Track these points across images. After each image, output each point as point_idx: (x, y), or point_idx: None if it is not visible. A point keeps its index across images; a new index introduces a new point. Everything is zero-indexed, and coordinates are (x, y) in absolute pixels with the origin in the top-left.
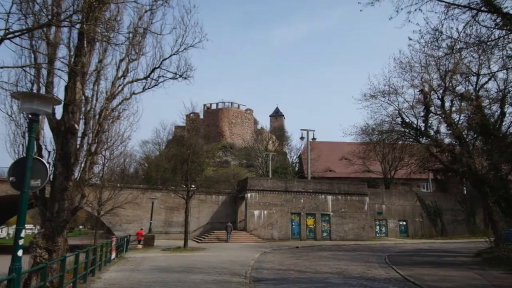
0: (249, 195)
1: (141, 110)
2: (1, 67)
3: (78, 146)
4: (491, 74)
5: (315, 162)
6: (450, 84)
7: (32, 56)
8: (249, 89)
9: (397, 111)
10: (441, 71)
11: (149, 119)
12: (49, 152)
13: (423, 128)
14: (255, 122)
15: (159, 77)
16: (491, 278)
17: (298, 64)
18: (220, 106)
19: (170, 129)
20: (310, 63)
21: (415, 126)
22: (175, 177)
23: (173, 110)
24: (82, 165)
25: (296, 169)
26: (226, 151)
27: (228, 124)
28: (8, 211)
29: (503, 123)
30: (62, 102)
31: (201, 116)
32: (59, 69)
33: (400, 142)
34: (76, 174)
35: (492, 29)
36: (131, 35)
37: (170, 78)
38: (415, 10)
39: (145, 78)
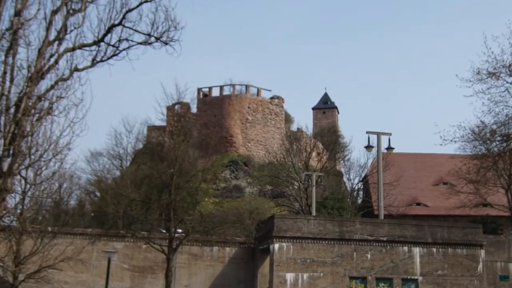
0: (277, 246)
1: (89, 99)
2: None
3: None
4: None
5: (393, 189)
6: None
7: None
8: (275, 64)
9: None
10: None
11: (103, 115)
12: None
13: None
14: (288, 120)
15: (120, 41)
16: None
17: (359, 24)
18: (226, 91)
19: (140, 131)
20: (379, 24)
21: None
22: (148, 215)
23: (145, 98)
24: None
25: (359, 200)
26: (238, 170)
27: (241, 123)
28: None
29: None
30: None
31: (194, 109)
32: None
33: None
34: None
35: None
36: None
37: (140, 43)
38: None
39: (96, 43)
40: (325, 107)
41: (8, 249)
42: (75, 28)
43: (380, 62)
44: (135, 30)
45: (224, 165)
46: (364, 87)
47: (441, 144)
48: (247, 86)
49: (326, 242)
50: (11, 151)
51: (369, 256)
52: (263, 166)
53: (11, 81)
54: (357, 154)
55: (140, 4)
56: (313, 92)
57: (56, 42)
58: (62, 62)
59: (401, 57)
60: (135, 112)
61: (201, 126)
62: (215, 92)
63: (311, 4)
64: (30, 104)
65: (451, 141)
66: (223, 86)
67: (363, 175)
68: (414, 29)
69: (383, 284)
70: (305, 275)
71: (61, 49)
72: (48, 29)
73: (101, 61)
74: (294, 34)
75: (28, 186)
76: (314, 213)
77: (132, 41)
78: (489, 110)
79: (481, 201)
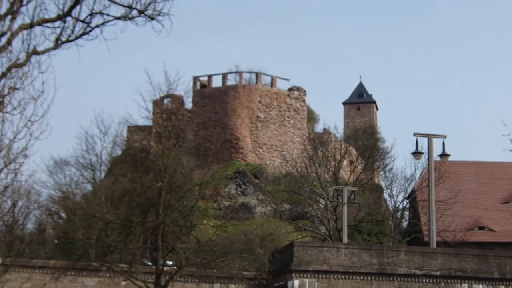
0: (297, 283)
1: (52, 91)
2: None
3: None
4: None
5: (448, 208)
6: None
7: None
8: (295, 45)
9: None
10: None
11: (71, 112)
12: None
13: None
14: (311, 118)
15: (91, 15)
16: None
17: None
18: (230, 81)
19: (119, 133)
20: None
21: None
22: (128, 242)
23: (125, 90)
24: None
25: (404, 223)
26: (246, 184)
27: (250, 122)
28: None
29: None
30: None
31: (189, 104)
32: None
33: None
34: None
35: None
36: None
37: (118, 18)
38: None
39: (61, 17)
40: (360, 102)
41: None
42: None
43: (430, 43)
44: (112, 1)
45: (228, 177)
46: (410, 75)
47: (511, 150)
48: (258, 74)
49: (362, 277)
50: None
51: None
52: (278, 179)
53: None
54: (402, 163)
55: None
56: (344, 82)
57: (9, 17)
58: (16, 43)
59: (457, 36)
60: (112, 108)
61: (198, 126)
62: (216, 82)
63: None
64: None
65: None
66: (226, 74)
67: (409, 190)
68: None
69: None
70: None
71: (15, 25)
72: None
73: (68, 41)
74: (319, 6)
75: None
76: (345, 240)
77: (107, 15)
78: None
79: None
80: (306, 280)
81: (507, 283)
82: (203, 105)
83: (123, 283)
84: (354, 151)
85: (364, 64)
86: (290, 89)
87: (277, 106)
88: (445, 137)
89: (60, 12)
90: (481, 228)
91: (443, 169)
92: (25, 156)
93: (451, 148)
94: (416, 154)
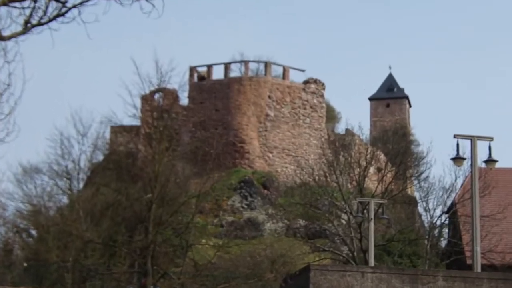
0: None
1: (19, 84)
2: None
3: None
4: None
5: (496, 224)
6: None
7: None
8: (312, 30)
9: None
10: None
11: (42, 108)
12: None
13: None
14: (331, 116)
15: None
16: None
17: None
18: (234, 72)
19: (100, 134)
20: None
21: None
22: (112, 265)
23: (108, 83)
24: None
25: (443, 242)
26: (253, 196)
27: (258, 122)
28: None
29: None
30: None
31: (184, 100)
32: None
33: None
34: None
35: None
36: None
37: None
38: None
39: None
40: (390, 97)
41: None
42: None
43: (473, 26)
44: None
45: (231, 187)
46: (449, 65)
47: None
48: (267, 64)
49: None
50: None
51: None
52: (292, 190)
53: None
54: (440, 171)
55: None
56: (371, 74)
57: None
58: None
59: (506, 18)
60: (92, 104)
61: (196, 127)
62: (218, 73)
63: None
64: None
65: None
66: (229, 63)
67: (448, 203)
68: None
69: None
70: None
71: None
72: None
73: (39, 24)
74: None
75: None
76: (372, 262)
77: None
78: None
79: None
80: None
81: None
82: (202, 101)
83: None
84: (382, 156)
85: (394, 52)
86: (306, 82)
87: (290, 102)
88: (491, 139)
89: None
90: None
91: (489, 178)
92: None
93: (499, 152)
94: (457, 159)
